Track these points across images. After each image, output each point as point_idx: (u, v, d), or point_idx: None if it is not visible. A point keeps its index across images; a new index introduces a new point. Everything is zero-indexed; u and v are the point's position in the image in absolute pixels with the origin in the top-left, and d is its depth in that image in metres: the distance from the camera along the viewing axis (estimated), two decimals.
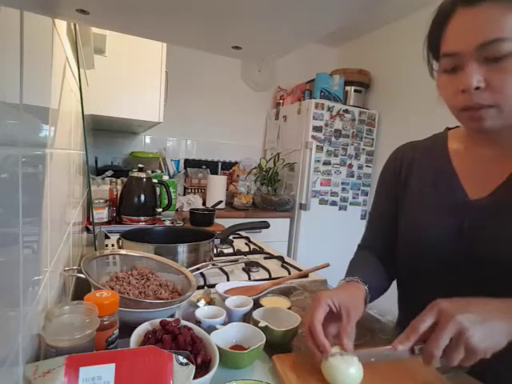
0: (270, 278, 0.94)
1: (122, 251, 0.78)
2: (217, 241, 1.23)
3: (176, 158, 2.67)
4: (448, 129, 0.73)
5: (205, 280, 0.91)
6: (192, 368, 0.40)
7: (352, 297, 0.59)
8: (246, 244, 1.36)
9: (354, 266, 0.73)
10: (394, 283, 0.82)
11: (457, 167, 0.65)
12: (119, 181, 1.73)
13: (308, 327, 0.53)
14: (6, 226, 0.29)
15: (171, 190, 1.74)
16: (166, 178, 1.95)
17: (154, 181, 1.64)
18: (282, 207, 2.48)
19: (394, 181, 0.75)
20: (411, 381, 0.51)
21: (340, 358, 0.49)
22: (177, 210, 2.08)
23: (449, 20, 0.54)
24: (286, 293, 0.85)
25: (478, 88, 0.51)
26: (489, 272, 0.58)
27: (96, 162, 2.27)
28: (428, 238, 0.65)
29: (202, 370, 0.46)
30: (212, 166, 2.77)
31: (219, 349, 0.50)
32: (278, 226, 2.45)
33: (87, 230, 1.36)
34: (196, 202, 2.27)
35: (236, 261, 0.99)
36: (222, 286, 0.76)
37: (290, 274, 1.00)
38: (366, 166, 2.67)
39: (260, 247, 1.31)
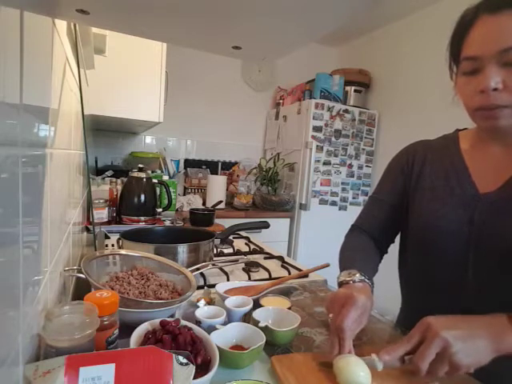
0: (270, 278, 0.94)
1: (122, 251, 0.78)
2: (217, 241, 1.23)
3: (176, 158, 2.67)
4: (458, 130, 0.76)
5: (205, 280, 0.91)
6: (192, 368, 0.40)
7: (368, 307, 0.59)
8: (245, 244, 1.36)
9: (359, 258, 0.74)
10: (396, 284, 0.82)
11: (468, 163, 0.69)
12: (119, 181, 1.72)
13: (339, 325, 0.54)
14: (6, 226, 0.29)
15: (171, 189, 1.74)
16: (166, 177, 1.95)
17: (154, 181, 1.64)
18: (281, 207, 2.48)
19: (405, 173, 0.78)
20: (411, 381, 0.51)
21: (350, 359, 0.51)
22: (177, 210, 2.08)
23: (471, 27, 0.58)
24: (286, 293, 0.85)
25: (495, 89, 0.55)
26: (499, 264, 0.60)
27: (96, 162, 2.27)
28: (440, 226, 0.67)
29: (201, 370, 0.46)
30: (212, 166, 2.77)
31: (219, 349, 0.50)
32: (278, 226, 2.45)
33: (87, 230, 1.36)
34: (196, 201, 2.27)
35: (236, 261, 0.99)
36: (221, 286, 0.76)
37: (290, 273, 1.00)
38: (366, 165, 2.67)
39: (260, 247, 1.31)
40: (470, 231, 0.64)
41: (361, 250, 0.78)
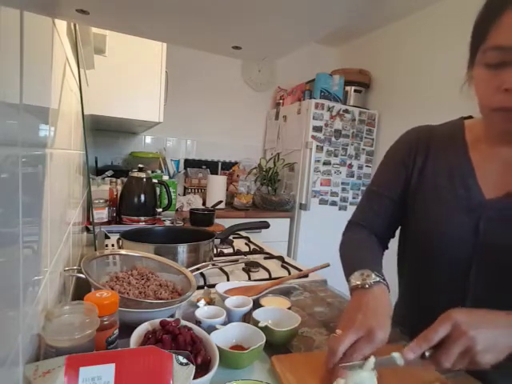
0: (270, 278, 0.94)
1: (122, 251, 0.78)
2: (217, 241, 1.23)
3: (176, 158, 2.67)
4: (463, 118, 0.71)
5: (205, 280, 0.91)
6: (192, 368, 0.40)
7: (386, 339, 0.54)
8: (245, 244, 1.36)
9: (368, 255, 0.69)
10: (391, 281, 0.82)
11: (474, 163, 0.64)
12: (119, 181, 1.72)
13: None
14: (6, 226, 0.29)
15: (171, 189, 1.74)
16: (166, 177, 1.95)
17: (154, 181, 1.64)
18: (282, 207, 2.48)
19: (406, 164, 0.73)
20: (411, 380, 0.51)
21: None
22: (177, 210, 2.08)
23: (503, 12, 0.49)
24: (286, 293, 0.85)
25: None
26: (502, 275, 0.59)
27: (96, 162, 2.27)
28: (443, 232, 0.65)
29: (201, 370, 0.46)
30: (212, 166, 2.77)
31: (219, 349, 0.50)
32: (278, 226, 2.45)
33: (87, 230, 1.36)
34: (196, 201, 2.27)
35: (236, 261, 0.99)
36: (221, 286, 0.76)
37: (290, 273, 1.00)
38: (366, 166, 2.67)
39: (260, 247, 1.31)
40: (475, 240, 0.61)
41: (366, 246, 0.73)
